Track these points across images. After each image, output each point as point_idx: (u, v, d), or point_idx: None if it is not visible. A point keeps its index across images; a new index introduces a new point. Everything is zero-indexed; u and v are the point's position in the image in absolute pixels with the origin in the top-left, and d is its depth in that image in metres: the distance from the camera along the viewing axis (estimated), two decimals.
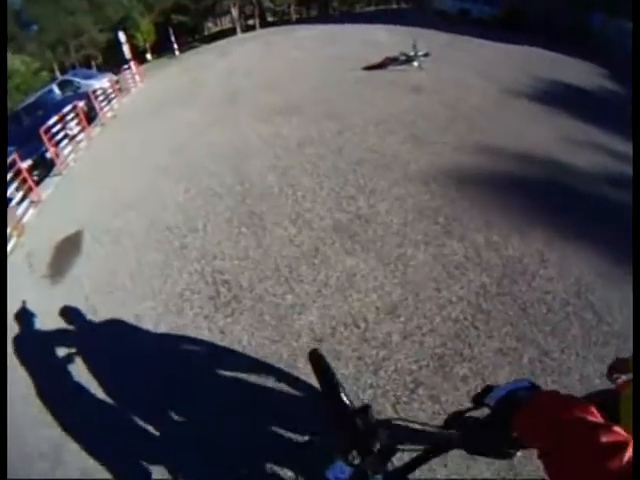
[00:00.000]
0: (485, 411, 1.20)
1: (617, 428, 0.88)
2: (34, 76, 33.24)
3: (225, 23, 60.39)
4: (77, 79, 18.08)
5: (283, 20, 45.65)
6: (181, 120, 11.16)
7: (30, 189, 8.82)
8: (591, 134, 8.95)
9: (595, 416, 0.94)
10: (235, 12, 42.33)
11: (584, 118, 10.18)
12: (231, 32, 41.52)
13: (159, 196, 7.26)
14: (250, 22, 45.90)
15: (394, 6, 57.24)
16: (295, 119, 9.44)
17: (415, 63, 12.85)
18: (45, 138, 10.14)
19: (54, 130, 10.70)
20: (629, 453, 0.82)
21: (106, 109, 14.50)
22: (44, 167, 10.94)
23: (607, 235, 5.10)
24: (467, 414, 1.30)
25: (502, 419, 1.11)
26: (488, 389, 1.28)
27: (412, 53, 12.84)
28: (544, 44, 19.29)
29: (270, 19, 47.33)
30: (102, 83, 16.64)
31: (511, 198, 6.07)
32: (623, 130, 8.31)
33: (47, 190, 9.43)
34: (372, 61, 13.33)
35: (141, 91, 17.44)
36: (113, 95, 15.71)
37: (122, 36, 18.93)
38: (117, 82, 17.17)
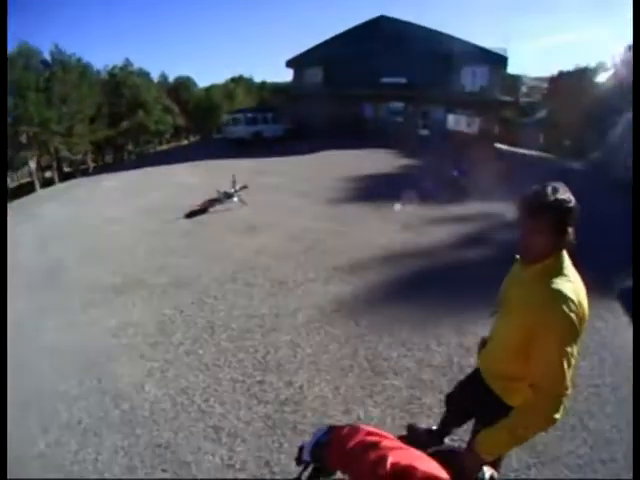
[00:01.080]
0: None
1: (384, 443, 1.14)
2: None
3: (22, 176, 56.29)
4: None
5: (80, 170, 43.63)
6: None
7: None
8: (426, 210, 9.60)
9: (372, 436, 1.18)
10: (33, 164, 39.18)
11: (406, 198, 11.80)
12: (29, 187, 38.25)
13: None
14: (47, 174, 42.89)
15: (185, 142, 60.28)
16: (138, 296, 7.61)
17: (235, 199, 12.83)
18: None
19: None
20: (391, 460, 1.06)
21: None
22: None
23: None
24: (301, 476, 1.49)
25: (319, 465, 1.39)
26: (301, 448, 1.48)
27: (232, 190, 12.78)
28: (336, 144, 21.62)
29: (67, 169, 44.94)
30: None
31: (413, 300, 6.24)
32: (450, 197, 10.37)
33: None
34: (184, 206, 13.16)
35: None
36: None
37: None
38: None
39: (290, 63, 34.24)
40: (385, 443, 1.13)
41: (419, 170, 17.02)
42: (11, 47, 36.18)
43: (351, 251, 8.65)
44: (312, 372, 4.85)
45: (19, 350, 6.22)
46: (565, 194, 1.77)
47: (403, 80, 28.44)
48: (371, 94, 29.27)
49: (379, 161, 18.90)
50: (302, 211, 11.80)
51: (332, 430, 1.39)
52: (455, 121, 29.11)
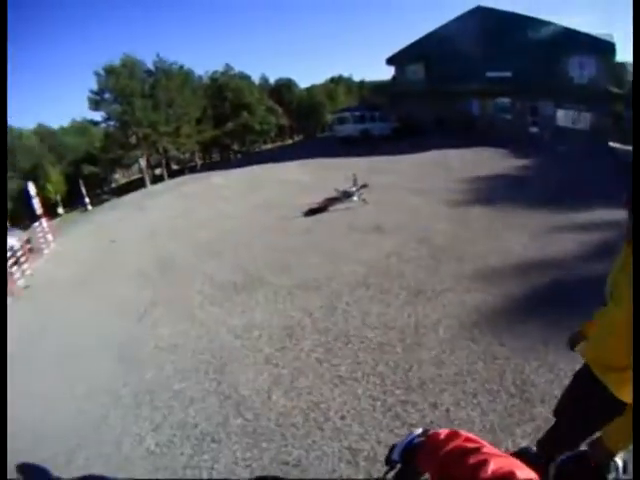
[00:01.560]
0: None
1: (485, 449, 1.09)
2: None
3: (133, 173, 60.81)
4: None
5: (188, 167, 46.37)
6: (110, 299, 8.72)
7: None
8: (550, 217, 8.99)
9: (472, 442, 1.14)
10: (143, 162, 42.22)
11: (526, 203, 10.94)
12: (139, 183, 41.22)
13: None
14: (157, 171, 46.08)
15: (289, 141, 61.68)
16: (261, 295, 7.20)
17: (355, 197, 12.55)
18: None
19: None
20: (492, 467, 0.99)
21: (16, 276, 12.35)
22: None
23: None
24: (386, 475, 1.44)
25: (409, 466, 1.34)
26: (392, 447, 1.42)
27: (353, 188, 12.57)
28: (444, 143, 20.74)
29: (175, 167, 47.97)
30: (11, 241, 14.54)
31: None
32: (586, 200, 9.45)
33: None
34: (305, 204, 12.86)
35: (55, 254, 15.29)
36: (23, 258, 13.57)
37: (32, 188, 17.00)
38: (28, 241, 15.09)
39: (391, 60, 33.54)
40: (486, 449, 1.09)
41: (534, 172, 15.79)
42: (115, 60, 39.68)
43: (485, 258, 7.92)
44: (458, 394, 4.24)
45: (134, 345, 6.16)
46: None
47: (508, 74, 26.42)
48: (476, 90, 27.76)
49: (491, 161, 17.74)
50: (423, 212, 11.21)
51: (427, 432, 1.35)
52: (565, 117, 26.58)
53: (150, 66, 42.63)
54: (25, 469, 3.87)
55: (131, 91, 39.03)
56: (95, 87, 39.61)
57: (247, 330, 6.02)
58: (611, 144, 22.98)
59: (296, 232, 10.70)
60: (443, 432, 1.24)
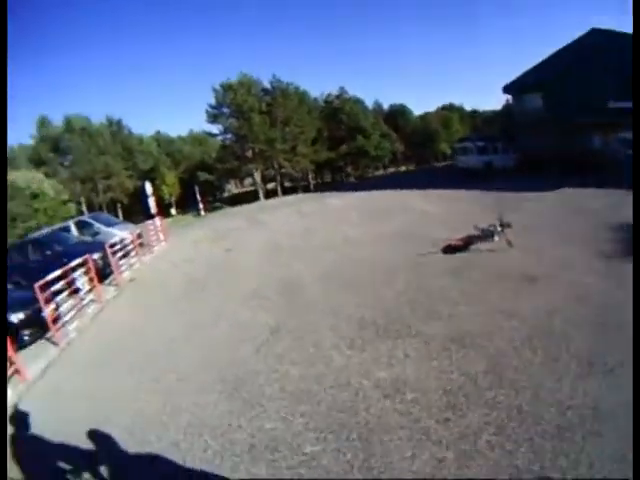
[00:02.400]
0: None
1: None
2: (62, 205, 32.82)
3: (245, 185, 63.00)
4: (97, 224, 15.95)
5: (301, 186, 46.63)
6: (220, 318, 7.89)
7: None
8: None
9: None
10: (258, 176, 42.99)
11: None
12: (252, 195, 42.04)
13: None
14: (269, 186, 46.87)
15: (402, 168, 60.26)
16: (409, 346, 5.69)
17: (496, 237, 10.73)
18: (41, 297, 7.72)
19: (55, 287, 8.35)
20: None
21: (123, 268, 12.07)
22: (38, 326, 8.24)
23: None
24: None
25: None
26: None
27: (498, 227, 10.79)
28: (570, 181, 19.01)
29: (287, 184, 48.54)
30: (123, 234, 14.52)
31: None
32: None
33: (36, 364, 7.13)
34: (439, 238, 11.16)
35: (165, 253, 15.12)
36: (133, 252, 13.38)
37: (149, 188, 17.28)
38: (139, 236, 15.06)
39: (507, 89, 30.81)
40: None
41: None
42: (233, 78, 41.34)
43: None
44: None
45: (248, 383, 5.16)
46: None
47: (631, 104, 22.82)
48: (598, 122, 24.42)
49: (617, 205, 15.29)
50: (579, 265, 9.19)
51: None
52: None
53: (266, 85, 43.65)
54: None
55: (249, 107, 39.96)
56: (213, 102, 41.28)
57: (398, 389, 4.67)
58: None
59: (439, 272, 8.95)
60: None
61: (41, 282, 7.88)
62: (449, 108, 66.61)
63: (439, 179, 26.72)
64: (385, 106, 60.32)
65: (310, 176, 50.47)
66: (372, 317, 6.80)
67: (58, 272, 8.64)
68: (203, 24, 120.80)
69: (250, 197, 41.04)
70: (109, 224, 16.48)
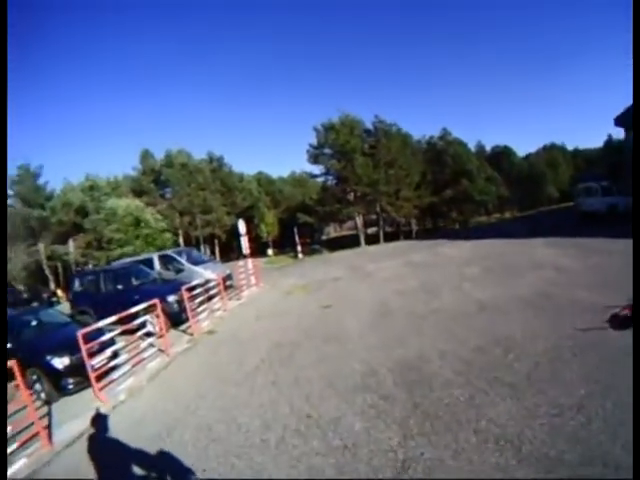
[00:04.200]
0: None
1: None
2: (161, 233, 33.22)
3: (344, 229, 61.65)
4: (183, 260, 14.30)
5: (402, 232, 43.99)
6: (303, 406, 5.73)
7: None
8: None
9: None
10: (359, 220, 41.03)
11: None
12: (352, 240, 40.22)
13: None
14: (369, 230, 44.80)
15: (507, 214, 55.48)
16: None
17: None
18: (84, 349, 6.36)
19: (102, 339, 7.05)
20: None
21: (204, 315, 10.30)
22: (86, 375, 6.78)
23: None
24: None
25: None
26: None
27: None
28: None
29: (387, 229, 46.13)
30: (210, 274, 12.88)
31: None
32: None
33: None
34: (584, 303, 8.47)
35: (254, 300, 12.98)
36: (218, 297, 11.63)
37: (242, 226, 15.60)
38: (227, 278, 13.36)
39: (620, 120, 25.95)
40: None
41: None
42: (334, 119, 40.02)
43: None
44: None
45: None
46: None
47: None
48: None
49: None
50: None
51: None
52: None
53: (369, 126, 41.86)
54: None
55: (351, 148, 38.31)
56: (314, 142, 40.02)
57: None
58: None
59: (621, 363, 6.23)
60: None
61: (87, 329, 6.55)
62: (551, 148, 61.29)
63: (558, 225, 23.50)
64: (487, 147, 57.04)
65: (413, 221, 47.67)
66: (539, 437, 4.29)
67: (121, 314, 7.10)
68: (307, 64, 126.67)
69: (350, 242, 38.92)
70: (196, 261, 14.76)
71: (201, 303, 10.29)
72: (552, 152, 59.89)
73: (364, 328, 8.70)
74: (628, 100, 24.84)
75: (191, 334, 9.19)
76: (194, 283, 10.35)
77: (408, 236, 40.19)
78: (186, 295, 9.28)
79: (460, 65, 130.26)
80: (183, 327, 9.75)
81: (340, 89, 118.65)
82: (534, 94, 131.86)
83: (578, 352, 6.40)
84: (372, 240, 38.05)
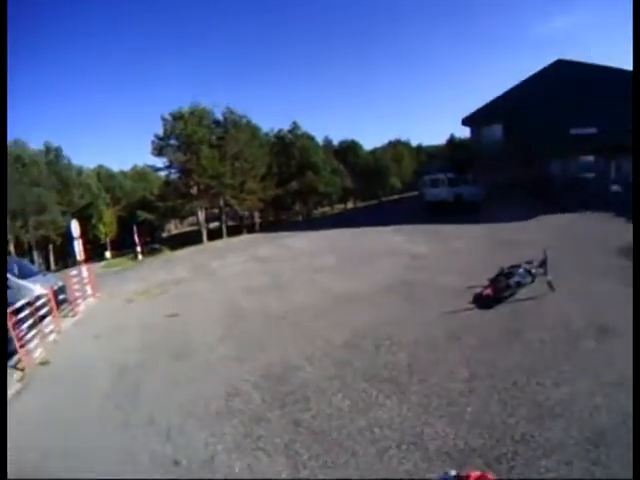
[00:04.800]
0: None
1: None
2: None
3: (185, 225, 58.71)
4: (10, 275, 11.25)
5: (245, 225, 43.42)
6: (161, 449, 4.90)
7: None
8: None
9: None
10: (202, 215, 39.27)
11: None
12: (194, 236, 38.70)
13: None
14: (211, 225, 43.10)
15: (349, 205, 58.50)
16: None
17: (528, 279, 8.56)
18: None
19: None
20: None
21: (34, 343, 8.52)
22: None
23: None
24: None
25: None
26: None
27: (534, 268, 8.59)
28: (537, 207, 18.63)
29: (230, 223, 44.97)
30: (40, 289, 10.77)
31: None
32: None
33: None
34: (447, 287, 9.20)
35: (91, 315, 11.46)
36: (48, 317, 9.74)
37: (75, 228, 13.35)
38: (60, 291, 11.42)
39: (467, 121, 30.76)
40: None
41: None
42: (185, 108, 37.69)
43: None
44: None
45: None
46: None
47: (593, 130, 23.86)
48: (556, 149, 24.90)
49: (611, 229, 13.68)
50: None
51: (458, 475, 1.31)
52: None
53: (219, 116, 40.61)
54: None
55: (198, 139, 36.66)
56: (160, 132, 37.53)
57: None
58: None
59: (485, 339, 6.59)
60: (473, 475, 1.29)
61: None
62: (396, 143, 66.25)
63: (404, 214, 24.98)
64: (335, 142, 59.02)
65: (256, 215, 47.43)
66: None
67: None
68: (153, 54, 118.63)
69: (192, 238, 37.22)
70: (26, 274, 12.30)
71: (31, 326, 8.50)
72: (397, 147, 63.86)
73: (216, 337, 8.13)
74: (473, 103, 29.06)
75: (22, 369, 7.58)
76: (20, 304, 8.49)
77: (251, 229, 39.69)
78: (11, 320, 7.54)
79: (316, 62, 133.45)
80: (12, 360, 7.93)
81: (192, 80, 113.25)
82: (384, 93, 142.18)
83: (452, 335, 6.60)
84: (215, 235, 36.91)
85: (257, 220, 47.33)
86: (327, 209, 55.82)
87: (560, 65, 26.08)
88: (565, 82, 24.69)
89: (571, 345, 5.97)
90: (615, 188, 23.96)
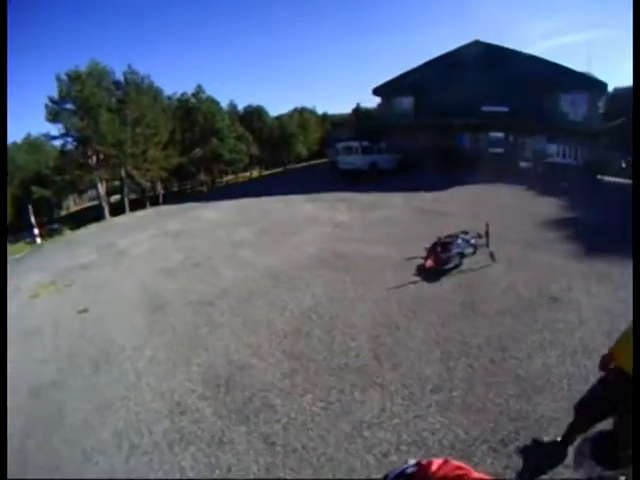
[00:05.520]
0: None
1: (475, 474, 1.12)
2: None
3: (84, 200, 53.52)
4: None
5: (148, 198, 40.05)
6: None
7: None
8: None
9: (462, 470, 1.14)
10: (102, 188, 35.56)
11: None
12: (95, 212, 35.14)
13: None
14: (112, 199, 39.38)
15: (255, 173, 57.15)
16: None
17: (470, 248, 8.65)
18: None
19: None
20: None
21: None
22: None
23: None
24: None
25: None
26: (384, 478, 1.40)
27: (474, 238, 8.66)
28: (453, 179, 19.16)
29: (132, 196, 41.37)
30: None
31: None
32: None
33: None
34: (382, 259, 8.96)
35: None
36: None
37: None
38: None
39: (377, 91, 31.41)
40: (475, 475, 1.11)
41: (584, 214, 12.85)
42: (82, 65, 33.43)
43: None
44: None
45: None
46: None
47: (505, 109, 25.61)
48: (468, 124, 26.40)
49: (527, 201, 15.29)
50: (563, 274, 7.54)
51: (419, 463, 1.28)
52: (557, 152, 26.67)
53: (119, 77, 36.41)
54: None
55: (97, 103, 32.60)
56: (55, 95, 32.76)
57: None
58: (598, 177, 24.43)
59: (450, 316, 6.34)
60: (435, 462, 1.24)
61: None
62: (302, 110, 65.18)
63: (315, 182, 24.34)
64: (240, 107, 56.51)
65: (159, 186, 44.25)
66: None
67: None
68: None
69: (93, 214, 33.88)
70: None
71: None
72: (303, 114, 62.42)
73: (136, 334, 6.92)
74: (384, 74, 30.10)
75: None
76: None
77: (155, 202, 36.89)
78: None
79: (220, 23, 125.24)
80: None
81: (91, 38, 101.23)
82: (291, 61, 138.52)
83: (409, 312, 6.32)
84: (117, 210, 33.72)
85: (160, 191, 44.00)
86: (231, 177, 53.64)
87: (477, 45, 27.11)
88: (481, 62, 25.55)
89: (530, 316, 5.98)
90: (524, 164, 26.00)
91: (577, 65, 54.35)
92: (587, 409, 3.21)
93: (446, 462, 1.20)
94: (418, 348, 5.29)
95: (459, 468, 1.17)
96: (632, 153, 11.79)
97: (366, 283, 7.69)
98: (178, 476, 3.78)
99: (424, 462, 1.28)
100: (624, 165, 34.31)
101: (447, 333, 5.63)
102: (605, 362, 3.14)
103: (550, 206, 13.62)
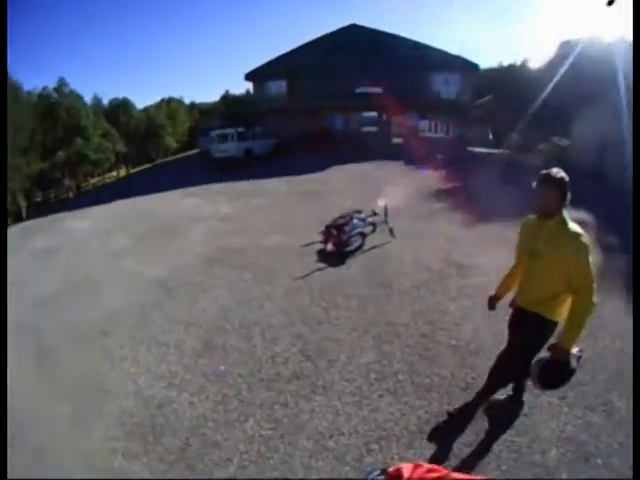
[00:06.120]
0: None
1: (452, 475, 1.17)
2: None
3: None
4: None
5: (9, 212, 31.90)
6: None
7: None
8: None
9: (435, 472, 1.15)
10: None
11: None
12: None
13: None
14: None
15: (122, 172, 52.92)
16: None
17: (368, 228, 8.85)
18: None
19: None
20: None
21: None
22: None
23: None
24: None
25: None
26: None
27: (368, 218, 8.83)
28: (329, 159, 19.44)
29: None
30: None
31: None
32: None
33: None
34: (276, 249, 8.73)
35: None
36: None
37: None
38: None
39: (249, 76, 31.15)
40: (453, 475, 1.09)
41: (466, 180, 14.16)
42: None
43: None
44: None
45: None
46: (563, 173, 2.82)
47: (379, 90, 26.44)
48: (341, 105, 27.42)
49: (407, 175, 16.09)
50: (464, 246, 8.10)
51: (386, 470, 1.27)
52: (429, 127, 29.09)
53: None
54: None
55: None
56: None
57: None
58: (469, 148, 27.89)
59: (368, 298, 6.22)
60: (405, 467, 1.19)
61: None
62: (170, 101, 62.32)
63: (188, 175, 23.20)
64: (105, 101, 52.86)
65: (21, 197, 36.61)
66: None
67: None
68: None
69: None
70: None
71: None
72: (171, 105, 60.13)
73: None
74: (257, 58, 29.70)
75: None
76: None
77: (19, 217, 31.24)
78: None
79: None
80: None
81: None
82: (152, 47, 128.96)
83: (326, 302, 6.10)
84: None
85: (23, 204, 36.51)
86: (98, 179, 48.90)
87: (353, 29, 28.06)
88: (356, 45, 26.82)
89: (444, 285, 6.23)
90: (396, 140, 27.72)
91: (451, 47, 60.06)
92: (516, 356, 3.32)
93: (417, 466, 1.17)
94: (347, 339, 5.10)
95: (433, 471, 1.16)
96: (632, 153, 12.09)
97: (270, 278, 7.21)
98: None
99: (391, 469, 1.23)
100: (491, 137, 38.38)
101: (371, 316, 5.55)
102: (492, 303, 3.64)
103: (430, 178, 14.37)
